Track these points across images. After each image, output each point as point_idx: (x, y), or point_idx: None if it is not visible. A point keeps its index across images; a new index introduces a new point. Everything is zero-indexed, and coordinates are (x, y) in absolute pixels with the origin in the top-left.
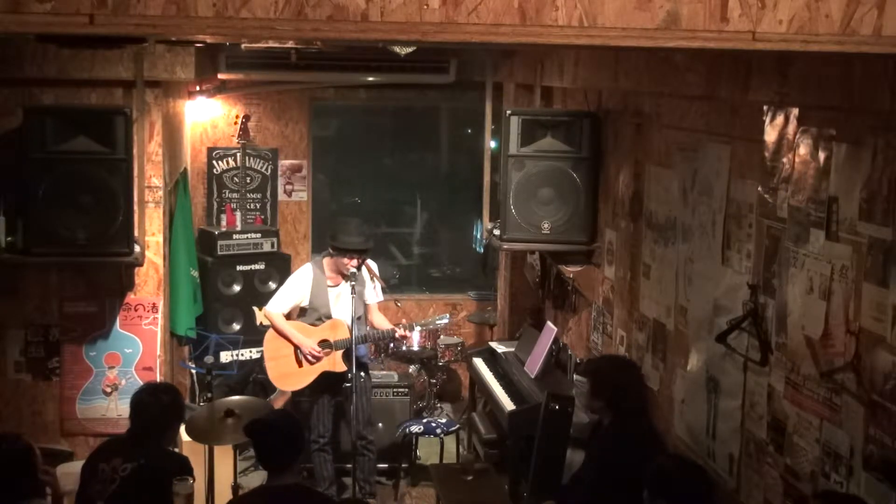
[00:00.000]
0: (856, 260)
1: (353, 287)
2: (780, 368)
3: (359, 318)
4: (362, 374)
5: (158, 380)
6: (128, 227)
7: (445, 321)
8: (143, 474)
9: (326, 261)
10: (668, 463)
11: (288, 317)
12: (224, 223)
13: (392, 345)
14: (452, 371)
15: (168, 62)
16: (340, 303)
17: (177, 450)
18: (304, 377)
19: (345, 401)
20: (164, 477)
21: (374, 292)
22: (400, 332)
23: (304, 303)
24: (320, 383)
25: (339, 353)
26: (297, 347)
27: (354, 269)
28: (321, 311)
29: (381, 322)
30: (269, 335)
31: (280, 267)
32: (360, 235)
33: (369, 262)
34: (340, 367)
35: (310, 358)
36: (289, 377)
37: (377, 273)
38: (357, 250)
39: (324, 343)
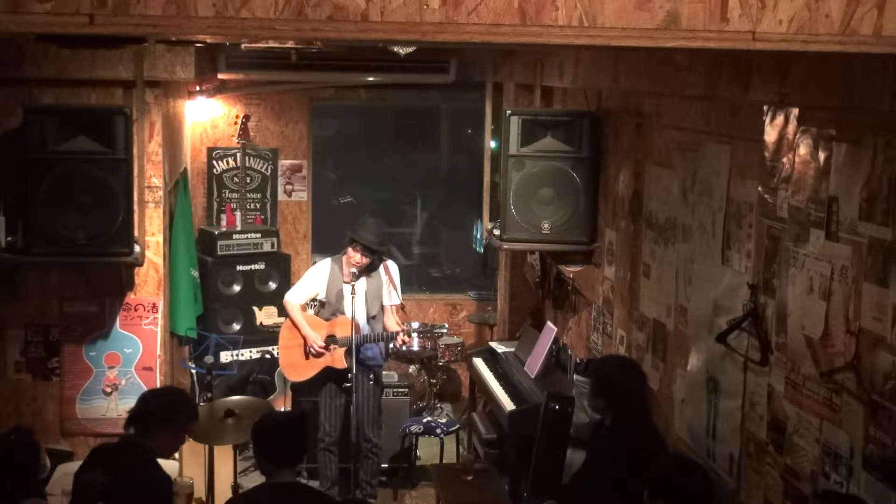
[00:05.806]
0: (856, 260)
1: (353, 287)
2: (780, 368)
3: (374, 318)
4: (371, 375)
5: (158, 379)
6: (128, 227)
7: (444, 331)
8: (115, 492)
9: (344, 258)
10: (668, 463)
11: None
12: (224, 223)
13: (392, 345)
14: (452, 371)
15: (168, 62)
16: (355, 300)
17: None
18: (309, 370)
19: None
20: (141, 494)
21: (390, 294)
22: (400, 337)
23: (321, 296)
24: (323, 379)
25: (342, 350)
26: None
27: (355, 270)
28: (335, 306)
29: (391, 324)
30: (286, 324)
31: (280, 267)
32: (375, 235)
33: (389, 264)
34: (341, 364)
35: (311, 351)
36: (295, 368)
37: (395, 277)
38: (363, 245)
39: (331, 338)
